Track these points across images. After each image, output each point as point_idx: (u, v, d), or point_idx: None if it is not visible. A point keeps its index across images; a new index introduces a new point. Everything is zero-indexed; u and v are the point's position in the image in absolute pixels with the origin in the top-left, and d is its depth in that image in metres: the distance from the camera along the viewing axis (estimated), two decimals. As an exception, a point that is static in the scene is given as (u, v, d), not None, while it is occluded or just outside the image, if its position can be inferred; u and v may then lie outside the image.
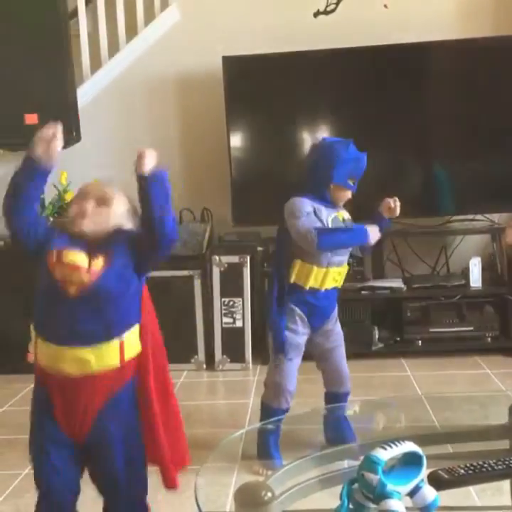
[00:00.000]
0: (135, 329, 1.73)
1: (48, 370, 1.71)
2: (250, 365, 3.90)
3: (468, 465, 1.40)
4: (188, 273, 3.88)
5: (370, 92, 3.98)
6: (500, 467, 1.40)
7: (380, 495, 1.18)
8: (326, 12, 4.25)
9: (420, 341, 3.95)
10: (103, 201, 1.75)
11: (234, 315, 3.91)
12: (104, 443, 1.72)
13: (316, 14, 4.26)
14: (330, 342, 2.64)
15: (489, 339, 3.93)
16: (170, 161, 4.28)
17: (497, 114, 3.97)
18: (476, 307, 3.97)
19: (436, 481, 1.33)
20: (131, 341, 1.72)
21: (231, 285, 3.90)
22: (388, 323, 4.08)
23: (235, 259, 3.91)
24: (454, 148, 4.04)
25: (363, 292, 3.97)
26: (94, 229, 1.72)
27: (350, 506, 1.22)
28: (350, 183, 2.53)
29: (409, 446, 1.23)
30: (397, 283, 4.03)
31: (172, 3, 4.34)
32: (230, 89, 3.99)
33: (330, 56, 3.96)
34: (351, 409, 2.56)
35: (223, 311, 3.91)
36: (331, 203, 2.54)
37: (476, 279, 3.94)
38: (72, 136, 3.96)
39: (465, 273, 4.02)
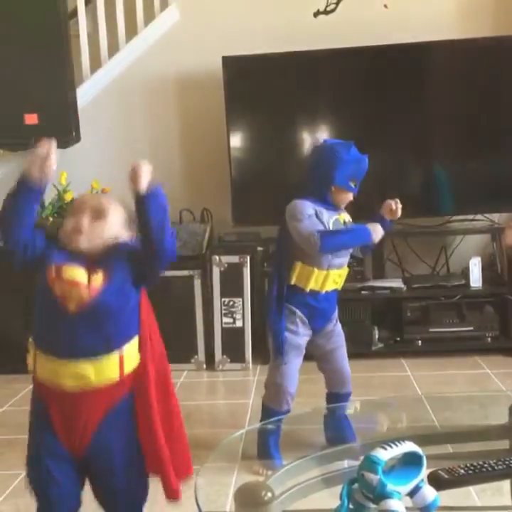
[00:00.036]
0: (134, 341, 1.72)
1: (47, 384, 1.70)
2: (250, 365, 3.90)
3: (468, 465, 1.40)
4: (188, 273, 3.88)
5: (370, 92, 3.98)
6: (500, 467, 1.40)
7: (380, 495, 1.18)
8: (325, 12, 4.25)
9: (420, 341, 3.95)
10: (99, 214, 1.72)
11: (234, 315, 3.91)
12: (105, 455, 1.71)
13: (316, 14, 4.26)
14: (331, 343, 2.64)
15: (489, 339, 3.92)
16: (170, 161, 4.31)
17: (497, 114, 3.97)
18: (476, 307, 3.97)
19: (436, 481, 1.33)
20: (130, 354, 1.71)
21: (231, 285, 3.90)
22: (388, 323, 4.08)
23: (234, 259, 3.91)
24: (454, 148, 4.04)
25: (363, 292, 3.97)
26: (91, 244, 1.70)
27: (350, 506, 1.22)
28: (352, 185, 2.52)
29: (409, 446, 1.23)
30: (397, 283, 4.03)
31: (172, 3, 4.34)
32: (229, 89, 3.99)
33: (330, 56, 3.96)
34: (351, 408, 2.56)
35: (223, 311, 3.91)
36: (332, 205, 2.53)
37: (476, 279, 3.94)
38: (71, 136, 3.97)
39: (465, 273, 4.02)
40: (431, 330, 3.94)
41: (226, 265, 3.91)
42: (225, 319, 3.91)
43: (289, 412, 2.55)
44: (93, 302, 1.66)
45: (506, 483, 1.54)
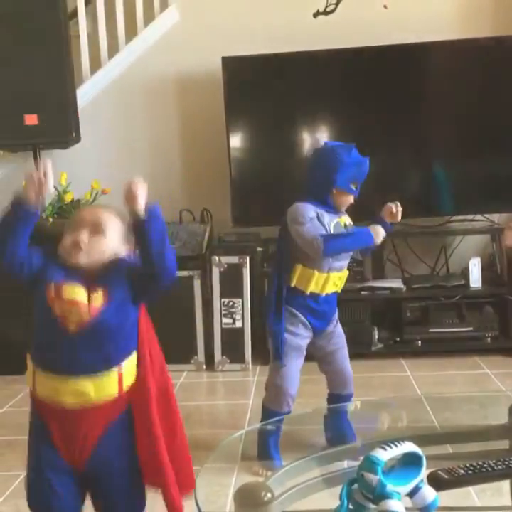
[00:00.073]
0: (133, 357, 1.71)
1: (47, 401, 1.69)
2: (250, 365, 3.90)
3: (468, 465, 1.40)
4: (188, 273, 3.87)
5: (370, 92, 3.98)
6: (500, 467, 1.40)
7: (380, 495, 1.18)
8: (325, 12, 4.25)
9: (420, 341, 3.94)
10: (98, 229, 1.70)
11: (234, 315, 3.90)
12: (105, 469, 1.70)
13: (316, 14, 4.26)
14: (332, 344, 2.64)
15: (489, 339, 3.92)
16: (170, 162, 4.31)
17: (497, 114, 3.97)
18: (475, 307, 3.97)
19: (436, 482, 1.33)
20: (129, 370, 1.70)
21: (231, 286, 3.90)
22: (388, 323, 4.08)
23: (234, 259, 3.90)
24: (453, 149, 4.04)
25: (362, 292, 3.97)
26: (90, 260, 1.69)
27: (350, 507, 1.22)
28: (353, 187, 2.52)
29: (409, 447, 1.22)
30: (397, 283, 4.02)
31: (171, 4, 4.34)
32: (229, 90, 3.99)
33: (330, 56, 3.96)
34: (351, 408, 2.56)
35: (223, 312, 3.91)
36: (333, 208, 2.53)
37: (475, 279, 3.94)
38: (71, 136, 3.97)
39: (465, 273, 4.02)
40: (431, 330, 3.94)
41: (226, 266, 3.90)
42: (225, 320, 3.91)
43: (289, 414, 2.55)
44: (93, 321, 1.64)
45: (506, 483, 1.54)
